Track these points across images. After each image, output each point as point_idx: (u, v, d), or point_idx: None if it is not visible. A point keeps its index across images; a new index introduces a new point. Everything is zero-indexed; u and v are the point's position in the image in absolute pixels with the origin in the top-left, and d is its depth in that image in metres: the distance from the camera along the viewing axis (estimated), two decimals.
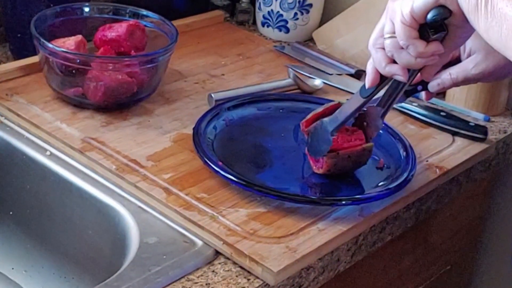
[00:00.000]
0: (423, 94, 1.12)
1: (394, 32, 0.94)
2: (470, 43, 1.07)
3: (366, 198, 1.05)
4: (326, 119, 1.09)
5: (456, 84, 1.08)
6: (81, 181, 1.10)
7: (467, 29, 0.93)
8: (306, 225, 1.02)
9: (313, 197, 1.07)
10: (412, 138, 1.21)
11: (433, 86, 1.09)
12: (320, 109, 1.13)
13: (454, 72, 1.08)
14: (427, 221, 1.25)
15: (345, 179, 1.11)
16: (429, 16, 0.91)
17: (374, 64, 1.00)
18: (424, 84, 1.09)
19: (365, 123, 1.10)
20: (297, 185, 1.11)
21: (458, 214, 1.38)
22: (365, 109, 1.09)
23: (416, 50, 0.94)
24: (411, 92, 1.11)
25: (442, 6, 0.90)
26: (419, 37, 0.93)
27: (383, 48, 0.97)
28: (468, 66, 1.07)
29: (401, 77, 0.98)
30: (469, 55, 1.08)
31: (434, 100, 1.36)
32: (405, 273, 1.29)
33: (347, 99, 1.09)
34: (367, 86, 1.02)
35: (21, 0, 1.34)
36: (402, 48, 0.95)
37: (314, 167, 1.11)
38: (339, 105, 1.12)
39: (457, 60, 1.09)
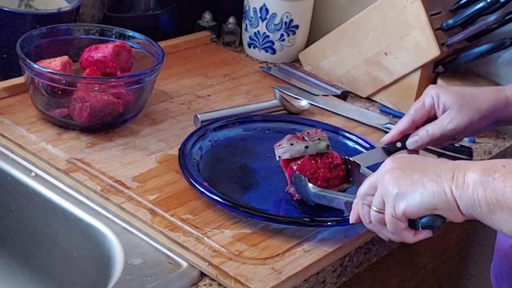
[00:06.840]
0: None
1: (383, 208, 0.90)
2: (443, 99, 1.09)
3: None
4: (311, 187, 1.07)
5: (433, 140, 1.10)
6: (66, 202, 1.09)
7: None
8: (291, 246, 1.02)
9: (299, 218, 1.07)
10: None
11: (411, 143, 1.12)
12: (296, 164, 1.10)
13: (431, 128, 1.10)
14: None
15: None
16: (423, 220, 0.87)
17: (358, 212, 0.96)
18: (402, 141, 1.12)
19: (349, 166, 1.11)
20: (282, 206, 1.11)
21: (444, 235, 1.38)
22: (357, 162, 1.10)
23: (402, 239, 0.92)
24: (391, 151, 1.13)
25: (438, 215, 0.86)
26: (407, 226, 0.90)
27: (370, 206, 0.92)
28: (444, 121, 1.09)
29: (381, 236, 0.96)
30: (444, 111, 1.09)
31: None
32: None
33: (337, 194, 1.05)
34: (350, 222, 0.98)
35: (7, 21, 1.34)
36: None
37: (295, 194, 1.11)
38: (308, 162, 1.10)
39: (434, 118, 1.11)
